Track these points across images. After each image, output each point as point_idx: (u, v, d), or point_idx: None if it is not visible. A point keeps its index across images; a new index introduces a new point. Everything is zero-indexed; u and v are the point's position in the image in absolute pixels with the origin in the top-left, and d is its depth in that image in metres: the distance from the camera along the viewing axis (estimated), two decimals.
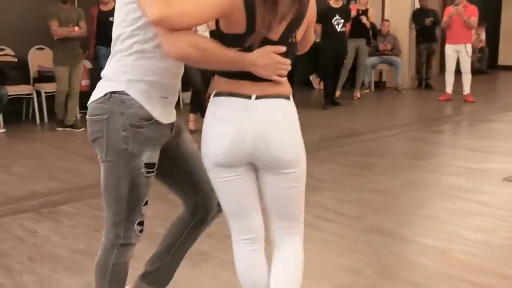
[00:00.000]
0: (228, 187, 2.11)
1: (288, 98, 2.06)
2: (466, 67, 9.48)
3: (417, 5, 11.24)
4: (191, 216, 2.47)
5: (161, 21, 1.86)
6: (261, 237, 2.20)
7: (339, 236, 3.75)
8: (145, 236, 2.31)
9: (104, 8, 7.50)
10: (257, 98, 2.01)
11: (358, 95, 10.01)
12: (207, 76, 6.88)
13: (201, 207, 2.43)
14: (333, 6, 8.89)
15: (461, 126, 8.09)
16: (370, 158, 5.83)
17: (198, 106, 7.13)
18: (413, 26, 11.24)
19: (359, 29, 9.68)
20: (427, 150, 6.32)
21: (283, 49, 1.99)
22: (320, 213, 4.14)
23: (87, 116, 2.21)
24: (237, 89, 2.02)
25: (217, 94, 2.06)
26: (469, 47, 9.40)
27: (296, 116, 2.10)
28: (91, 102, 2.17)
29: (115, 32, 2.15)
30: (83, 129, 7.17)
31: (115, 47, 2.15)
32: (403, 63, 11.00)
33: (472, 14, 9.27)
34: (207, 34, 7.09)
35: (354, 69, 10.08)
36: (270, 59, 1.96)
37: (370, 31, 9.98)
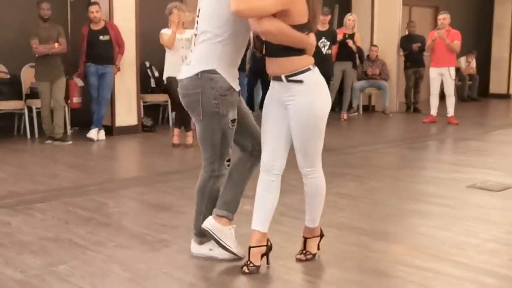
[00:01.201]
0: (265, 115, 3.22)
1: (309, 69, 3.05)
2: (449, 90, 9.71)
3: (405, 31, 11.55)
4: (248, 157, 3.34)
5: (238, 12, 2.83)
6: (278, 169, 3.18)
7: (299, 230, 3.92)
8: None
9: (94, 27, 7.78)
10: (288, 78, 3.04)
11: (345, 117, 10.22)
12: None
13: (256, 148, 3.28)
14: (319, 29, 9.16)
15: (438, 144, 8.30)
16: (344, 169, 6.01)
17: (182, 121, 7.35)
18: (401, 51, 11.53)
19: (345, 52, 9.95)
20: (401, 163, 6.51)
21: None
22: (285, 211, 4.32)
23: (181, 90, 3.13)
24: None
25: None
26: (452, 70, 9.64)
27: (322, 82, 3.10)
28: (185, 79, 3.09)
29: (200, 28, 3.06)
30: (71, 142, 7.40)
31: (199, 38, 3.05)
32: (391, 87, 11.25)
33: (455, 38, 9.53)
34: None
35: (342, 92, 10.33)
36: (314, 41, 3.02)
37: (357, 55, 10.24)
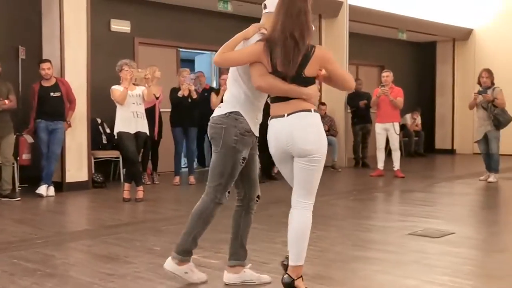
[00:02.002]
0: (283, 172, 3.62)
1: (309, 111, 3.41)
2: (395, 144, 10.07)
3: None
4: (240, 206, 3.81)
5: (215, 63, 3.59)
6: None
7: None
8: None
9: (45, 83, 7.85)
10: (288, 114, 3.41)
11: None
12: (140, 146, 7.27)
13: (247, 195, 3.79)
14: None
15: (384, 196, 8.55)
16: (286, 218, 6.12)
17: (133, 176, 7.41)
18: (348, 108, 11.93)
19: None
20: (347, 213, 6.69)
21: (318, 86, 3.54)
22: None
23: (210, 123, 3.67)
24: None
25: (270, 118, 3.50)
26: (396, 125, 10.03)
27: (318, 123, 3.41)
28: (215, 116, 3.67)
29: (229, 82, 3.72)
30: (19, 198, 7.34)
31: (229, 92, 3.68)
32: (340, 143, 11.58)
33: (398, 95, 9.96)
34: (142, 107, 7.52)
35: None
36: (317, 92, 3.47)
37: None
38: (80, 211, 7.48)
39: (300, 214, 3.49)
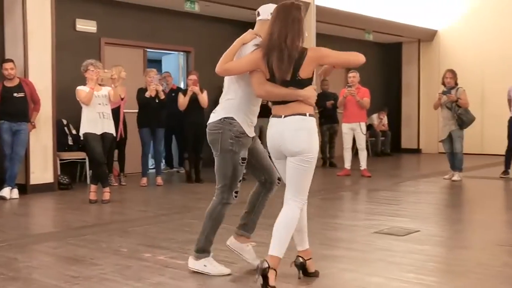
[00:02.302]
0: (278, 168, 3.90)
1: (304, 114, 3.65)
2: (361, 144, 10.17)
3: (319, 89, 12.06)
4: (261, 187, 4.15)
5: (218, 73, 3.85)
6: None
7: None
8: None
9: (8, 84, 7.72)
10: (285, 116, 3.67)
11: None
12: (106, 147, 7.20)
13: (268, 180, 4.13)
14: None
15: (351, 195, 8.63)
16: (259, 219, 6.14)
17: (99, 177, 7.33)
18: (315, 108, 11.98)
19: (264, 108, 10.19)
20: (314, 212, 6.69)
21: (315, 87, 3.75)
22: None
23: (207, 129, 3.96)
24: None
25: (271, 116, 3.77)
26: (363, 125, 10.13)
27: (311, 126, 3.66)
28: (211, 122, 3.94)
29: (224, 89, 3.99)
30: None
31: (224, 97, 3.96)
32: None
33: (365, 96, 10.06)
34: (108, 107, 7.45)
35: None
36: (313, 93, 3.69)
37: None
38: (45, 213, 7.37)
39: (289, 209, 3.73)
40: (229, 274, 4.02)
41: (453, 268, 4.35)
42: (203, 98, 9.03)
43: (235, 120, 3.88)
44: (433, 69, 15.19)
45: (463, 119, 9.29)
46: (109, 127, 7.42)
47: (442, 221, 6.46)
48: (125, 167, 9.35)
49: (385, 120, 14.79)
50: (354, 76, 10.13)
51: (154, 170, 9.80)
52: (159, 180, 9.12)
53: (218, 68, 3.83)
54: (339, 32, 13.74)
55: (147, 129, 8.95)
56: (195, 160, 9.27)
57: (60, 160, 8.83)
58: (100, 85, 7.45)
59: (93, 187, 7.36)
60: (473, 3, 14.93)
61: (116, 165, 9.22)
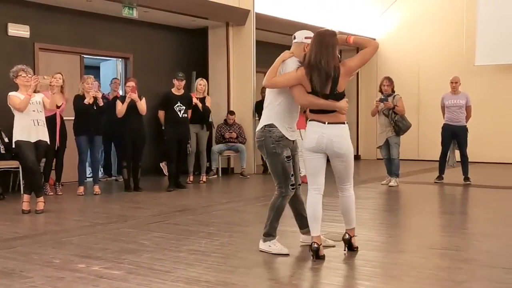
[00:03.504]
0: (311, 161, 4.74)
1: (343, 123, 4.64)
2: (301, 151, 10.20)
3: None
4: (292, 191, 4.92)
5: (266, 86, 4.78)
6: (322, 189, 4.79)
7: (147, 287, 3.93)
8: None
9: None
10: (328, 123, 4.59)
11: (204, 179, 10.40)
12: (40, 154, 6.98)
13: (295, 183, 4.93)
14: (175, 94, 9.39)
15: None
16: (197, 227, 6.11)
17: (33, 186, 7.11)
18: (256, 116, 12.01)
19: (197, 115, 10.21)
20: (253, 219, 6.72)
21: (347, 100, 4.66)
22: (133, 269, 4.31)
23: (255, 139, 4.92)
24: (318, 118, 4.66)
25: (311, 120, 4.69)
26: (303, 132, 10.15)
27: (348, 132, 4.67)
28: (257, 132, 4.85)
29: (266, 98, 4.88)
30: None
31: (268, 106, 4.81)
32: (249, 150, 11.65)
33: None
34: (42, 115, 7.25)
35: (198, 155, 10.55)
36: (346, 104, 4.58)
37: (209, 117, 10.57)
38: None
39: (346, 194, 4.84)
40: (287, 254, 4.76)
41: (388, 272, 4.42)
42: (142, 105, 8.92)
43: (275, 126, 4.71)
44: (371, 76, 15.49)
45: (399, 126, 9.50)
46: (44, 135, 7.21)
47: (378, 225, 6.57)
48: (62, 176, 9.11)
49: None
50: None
51: (91, 179, 9.59)
52: (97, 188, 8.92)
53: (266, 82, 4.67)
54: (279, 40, 13.81)
55: (85, 137, 8.75)
56: (134, 168, 9.14)
57: None
58: (35, 92, 7.22)
59: (26, 196, 7.13)
60: (409, 13, 15.35)
61: (52, 174, 8.96)
